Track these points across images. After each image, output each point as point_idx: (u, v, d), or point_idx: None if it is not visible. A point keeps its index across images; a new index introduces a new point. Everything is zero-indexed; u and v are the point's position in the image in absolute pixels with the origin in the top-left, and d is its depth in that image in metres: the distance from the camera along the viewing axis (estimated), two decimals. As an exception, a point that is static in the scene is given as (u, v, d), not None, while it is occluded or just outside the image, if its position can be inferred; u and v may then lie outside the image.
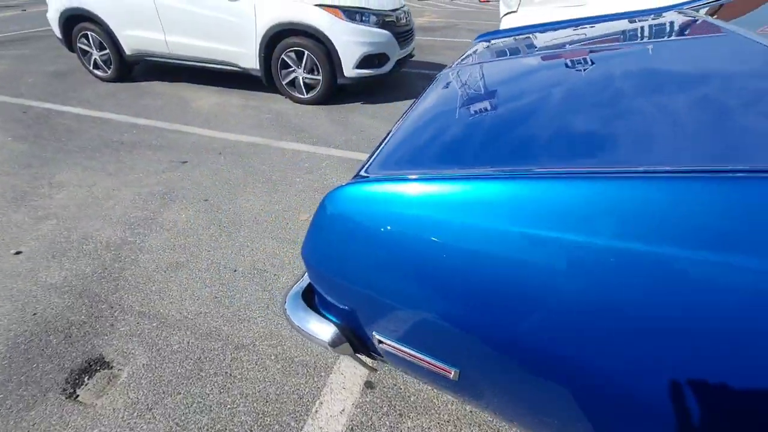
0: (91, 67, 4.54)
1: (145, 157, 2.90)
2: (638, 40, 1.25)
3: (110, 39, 4.23)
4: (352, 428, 1.24)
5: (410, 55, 4.40)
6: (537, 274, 0.53)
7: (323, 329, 0.83)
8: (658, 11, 1.61)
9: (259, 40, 3.77)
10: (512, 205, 0.55)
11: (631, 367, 0.49)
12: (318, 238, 0.76)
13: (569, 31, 1.53)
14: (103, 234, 2.10)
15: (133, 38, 4.18)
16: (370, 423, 1.26)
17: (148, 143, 3.12)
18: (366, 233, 0.67)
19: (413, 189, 0.64)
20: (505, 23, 2.75)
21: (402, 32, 4.04)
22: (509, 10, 2.81)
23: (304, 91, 3.96)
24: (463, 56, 1.53)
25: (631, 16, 1.60)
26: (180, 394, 1.33)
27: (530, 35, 1.61)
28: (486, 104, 0.94)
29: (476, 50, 1.56)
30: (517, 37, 1.64)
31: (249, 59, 3.91)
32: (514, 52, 1.44)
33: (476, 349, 0.64)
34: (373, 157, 0.84)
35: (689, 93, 0.78)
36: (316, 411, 1.29)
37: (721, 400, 0.45)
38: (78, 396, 1.32)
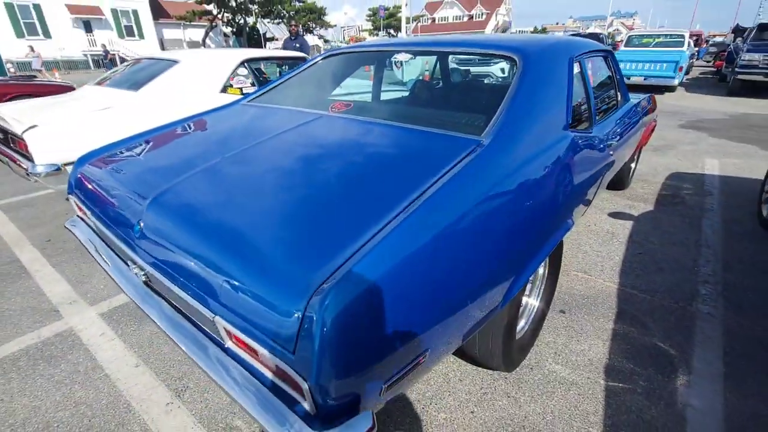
0: None
1: None
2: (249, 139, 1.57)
3: None
4: None
5: None
6: None
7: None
8: (226, 107, 2.08)
9: None
10: None
11: None
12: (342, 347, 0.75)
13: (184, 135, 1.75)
14: None
15: None
16: None
17: None
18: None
19: None
20: (32, 140, 2.43)
21: None
22: (27, 127, 2.44)
23: None
24: (78, 192, 1.54)
25: (199, 117, 1.97)
26: None
27: (143, 144, 1.70)
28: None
29: (89, 176, 1.53)
30: (133, 149, 1.66)
31: None
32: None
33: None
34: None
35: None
36: None
37: None
38: None
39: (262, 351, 0.81)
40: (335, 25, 54.34)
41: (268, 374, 0.88)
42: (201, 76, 3.20)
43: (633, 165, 3.71)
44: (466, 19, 61.30)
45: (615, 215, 3.17)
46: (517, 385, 1.61)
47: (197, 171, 1.30)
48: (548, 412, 1.49)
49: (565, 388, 1.59)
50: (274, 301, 0.80)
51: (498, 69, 4.90)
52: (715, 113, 7.49)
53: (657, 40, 10.89)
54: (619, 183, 3.57)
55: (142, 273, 1.17)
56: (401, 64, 5.92)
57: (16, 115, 2.55)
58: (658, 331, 1.89)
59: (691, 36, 12.93)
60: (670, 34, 10.89)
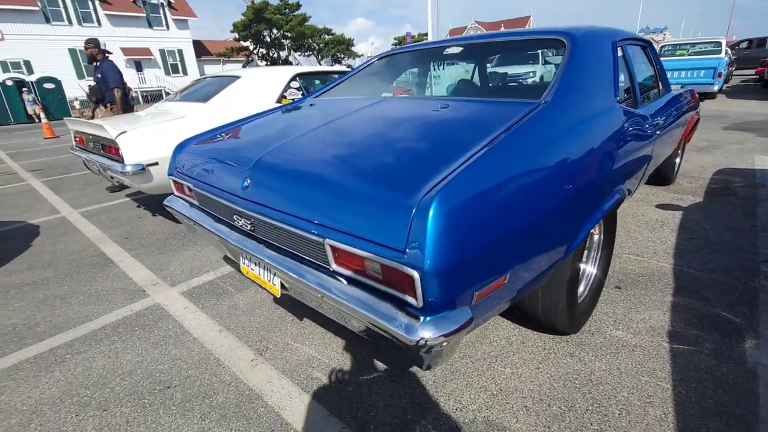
0: None
1: None
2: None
3: None
4: None
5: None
6: None
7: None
8: (294, 104, 2.31)
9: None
10: None
11: None
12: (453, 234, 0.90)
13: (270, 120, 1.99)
14: None
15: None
16: None
17: None
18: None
19: None
20: (124, 143, 2.78)
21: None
22: (120, 132, 2.81)
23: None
24: (181, 170, 1.78)
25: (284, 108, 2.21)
26: None
27: (232, 131, 1.93)
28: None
29: (190, 156, 1.77)
30: (224, 134, 1.90)
31: None
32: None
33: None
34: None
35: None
36: None
37: None
38: None
39: (373, 257, 0.95)
40: (362, 55, 56.57)
41: (374, 283, 1.02)
42: (259, 89, 3.52)
43: (677, 160, 3.69)
44: (490, 42, 62.16)
45: (663, 207, 3.16)
46: (579, 347, 1.65)
47: (295, 137, 1.51)
48: (614, 368, 1.53)
49: (628, 349, 1.62)
50: (386, 208, 0.96)
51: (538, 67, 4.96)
52: (760, 115, 7.25)
53: (692, 49, 10.72)
54: (663, 178, 3.55)
55: (249, 222, 1.36)
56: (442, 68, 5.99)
57: (110, 125, 2.91)
58: (720, 303, 1.89)
59: (727, 44, 12.60)
60: (707, 42, 10.70)
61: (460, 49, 2.04)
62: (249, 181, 1.34)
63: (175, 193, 1.91)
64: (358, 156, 1.25)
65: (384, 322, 0.93)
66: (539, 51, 2.30)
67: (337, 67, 4.24)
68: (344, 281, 1.10)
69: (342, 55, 42.69)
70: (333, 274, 1.13)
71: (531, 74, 5.88)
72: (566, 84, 1.45)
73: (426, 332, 0.88)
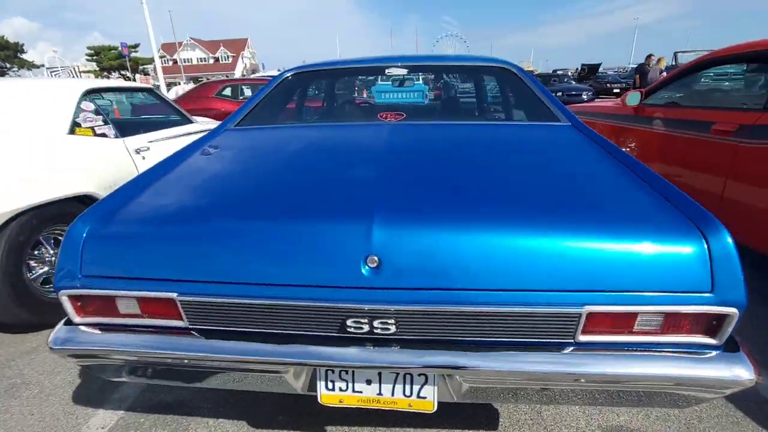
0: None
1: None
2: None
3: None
4: None
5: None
6: None
7: None
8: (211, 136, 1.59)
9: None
10: None
11: None
12: None
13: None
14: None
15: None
16: None
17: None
18: None
19: None
20: None
21: None
22: None
23: None
24: None
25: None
26: None
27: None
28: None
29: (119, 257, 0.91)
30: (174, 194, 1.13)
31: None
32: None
33: None
34: None
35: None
36: None
37: None
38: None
39: (662, 310, 0.84)
40: (42, 65, 43.39)
41: (642, 337, 0.89)
42: (31, 115, 2.17)
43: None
44: (212, 61, 60.07)
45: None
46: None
47: (395, 173, 1.14)
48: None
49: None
50: (674, 252, 0.85)
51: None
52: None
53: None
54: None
55: (391, 323, 0.85)
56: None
57: None
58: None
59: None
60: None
61: (405, 70, 1.94)
62: (378, 260, 0.85)
63: (77, 319, 0.96)
64: (560, 195, 1.07)
65: (708, 373, 0.84)
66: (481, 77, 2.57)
67: (137, 83, 3.11)
68: (570, 349, 0.90)
69: (7, 65, 31.51)
70: (564, 346, 0.90)
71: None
72: (558, 105, 1.66)
73: (743, 366, 0.85)
